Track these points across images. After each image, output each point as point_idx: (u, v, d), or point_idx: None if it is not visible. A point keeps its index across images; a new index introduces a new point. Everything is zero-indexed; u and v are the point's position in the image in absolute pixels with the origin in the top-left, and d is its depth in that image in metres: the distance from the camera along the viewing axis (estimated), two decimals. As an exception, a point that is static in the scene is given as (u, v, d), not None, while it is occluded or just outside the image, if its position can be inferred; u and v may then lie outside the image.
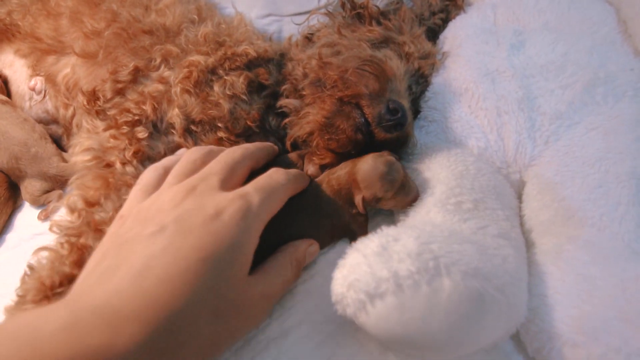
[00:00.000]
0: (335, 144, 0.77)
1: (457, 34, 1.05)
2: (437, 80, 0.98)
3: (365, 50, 0.84)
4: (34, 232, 0.93)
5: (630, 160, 0.77)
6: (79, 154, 0.85)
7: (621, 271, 0.66)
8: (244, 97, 0.91)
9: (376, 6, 1.03)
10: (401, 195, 0.78)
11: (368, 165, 0.78)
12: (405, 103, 0.78)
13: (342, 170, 0.80)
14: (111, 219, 0.73)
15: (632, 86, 0.85)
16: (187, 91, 0.89)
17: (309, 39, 1.03)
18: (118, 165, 0.80)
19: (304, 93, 0.86)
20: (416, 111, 0.92)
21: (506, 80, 0.90)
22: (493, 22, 1.05)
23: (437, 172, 0.81)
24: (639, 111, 0.82)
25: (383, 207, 0.79)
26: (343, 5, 1.03)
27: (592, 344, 0.61)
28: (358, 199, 0.76)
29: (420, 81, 0.91)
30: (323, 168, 0.82)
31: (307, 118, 0.82)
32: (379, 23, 0.95)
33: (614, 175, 0.76)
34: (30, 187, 0.89)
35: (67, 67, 1.05)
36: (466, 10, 1.14)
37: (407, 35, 0.93)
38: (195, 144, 0.89)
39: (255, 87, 0.95)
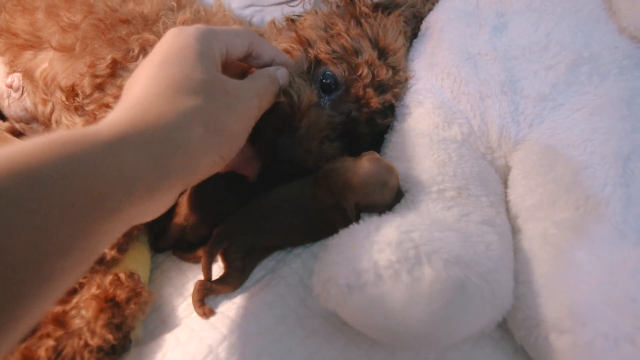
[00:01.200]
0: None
1: (439, 18, 1.03)
2: (418, 66, 0.96)
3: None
4: None
5: (616, 140, 0.75)
6: None
7: (609, 255, 0.64)
8: None
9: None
10: (394, 201, 0.76)
11: (367, 169, 0.76)
12: (301, 139, 0.80)
13: (335, 164, 0.78)
14: None
15: (617, 64, 0.84)
16: None
17: (292, 21, 1.01)
18: None
19: None
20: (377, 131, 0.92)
21: (488, 64, 0.89)
22: (475, 5, 1.02)
23: (419, 160, 0.80)
24: (625, 90, 0.81)
25: (371, 212, 0.76)
26: None
27: (580, 330, 0.60)
28: (350, 205, 0.74)
29: (363, 109, 0.88)
30: None
31: None
32: (358, 23, 0.92)
33: (600, 156, 0.74)
34: None
35: (45, 62, 1.03)
36: (450, -7, 1.12)
37: (374, 52, 0.88)
38: None
39: None
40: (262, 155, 0.81)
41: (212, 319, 0.72)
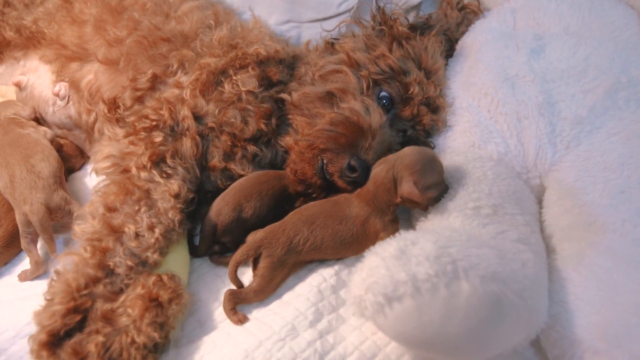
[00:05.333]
0: (300, 178, 0.88)
1: (476, 39, 1.05)
2: (455, 85, 0.98)
3: (352, 100, 0.88)
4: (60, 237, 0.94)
5: (653, 165, 0.77)
6: (100, 161, 0.88)
7: (644, 277, 0.66)
8: (256, 90, 0.95)
9: (407, 19, 1.03)
10: (442, 192, 0.79)
11: (409, 151, 0.80)
12: (372, 157, 0.84)
13: (378, 167, 0.81)
14: (126, 223, 0.76)
15: (655, 91, 0.85)
16: (197, 92, 0.92)
17: (332, 44, 1.05)
18: (134, 170, 0.83)
19: (289, 116, 0.95)
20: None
21: (526, 85, 0.91)
22: (512, 27, 1.05)
23: (456, 177, 0.82)
24: (662, 116, 0.82)
25: (422, 201, 0.78)
26: (374, 18, 1.05)
27: (614, 351, 0.61)
28: (408, 185, 0.76)
29: (417, 127, 0.92)
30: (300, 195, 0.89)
31: (286, 139, 0.93)
32: (400, 45, 0.96)
33: (636, 181, 0.76)
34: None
35: (91, 74, 1.08)
36: (485, 15, 1.15)
37: (420, 72, 0.93)
38: (207, 147, 0.92)
39: (265, 84, 0.98)
40: (338, 175, 0.84)
41: (248, 324, 0.74)
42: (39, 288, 0.74)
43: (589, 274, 0.69)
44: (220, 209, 0.85)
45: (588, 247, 0.72)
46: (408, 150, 0.81)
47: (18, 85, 1.16)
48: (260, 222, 0.85)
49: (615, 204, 0.75)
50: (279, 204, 0.88)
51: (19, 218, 0.89)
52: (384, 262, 0.60)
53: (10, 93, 1.18)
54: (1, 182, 0.94)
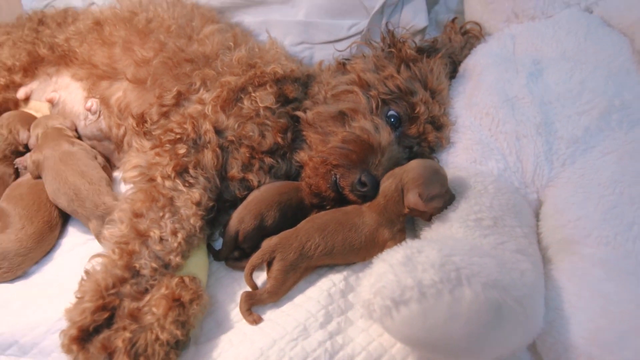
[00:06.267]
0: (315, 192, 0.90)
1: (477, 62, 1.07)
2: (458, 104, 1.00)
3: (362, 120, 0.90)
4: (88, 237, 0.96)
5: (644, 183, 0.77)
6: (128, 170, 0.90)
7: (635, 287, 0.66)
8: (273, 106, 0.96)
9: (414, 42, 1.05)
10: (448, 200, 0.80)
11: (415, 164, 0.81)
12: (381, 173, 0.86)
13: (387, 181, 0.83)
14: (151, 228, 0.78)
15: (646, 113, 0.86)
16: (218, 108, 0.94)
17: (343, 64, 1.06)
18: (159, 179, 0.84)
19: (304, 133, 0.96)
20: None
21: (525, 106, 0.92)
22: (512, 51, 1.06)
23: (459, 190, 0.83)
24: (653, 137, 0.83)
25: (427, 211, 0.80)
26: (383, 40, 1.07)
27: (607, 357, 0.62)
28: (414, 197, 0.78)
29: (422, 144, 0.94)
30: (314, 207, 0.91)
31: (300, 155, 0.95)
32: (407, 66, 0.97)
33: (628, 197, 0.76)
34: (92, 227, 0.95)
35: (120, 91, 1.10)
36: (486, 39, 1.16)
37: (426, 93, 0.95)
38: (227, 159, 0.93)
39: (281, 101, 1.00)
40: (349, 189, 0.86)
41: (263, 324, 0.75)
42: (69, 286, 0.75)
43: (583, 283, 0.70)
44: (242, 217, 0.87)
45: (582, 259, 0.73)
46: (413, 163, 0.82)
47: (51, 101, 1.19)
48: (277, 229, 0.86)
49: (608, 219, 0.75)
50: (295, 213, 0.89)
51: (93, 227, 0.92)
52: (392, 268, 0.61)
53: (44, 109, 1.21)
54: (64, 200, 0.95)
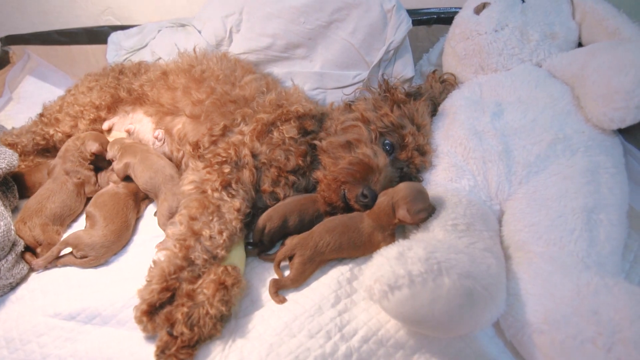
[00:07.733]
0: (328, 202, 0.90)
1: (453, 104, 1.08)
2: (438, 136, 1.01)
3: (364, 147, 0.91)
4: (153, 234, 0.97)
5: (582, 198, 0.78)
6: (186, 184, 0.90)
7: (576, 279, 0.66)
8: (296, 137, 0.98)
9: (404, 88, 1.06)
10: (431, 212, 0.81)
11: (403, 186, 0.82)
12: (379, 188, 0.87)
13: (382, 198, 0.83)
14: (203, 228, 0.79)
15: (583, 144, 0.86)
16: (254, 138, 0.96)
17: (349, 105, 1.08)
18: (209, 191, 0.85)
19: (319, 157, 0.97)
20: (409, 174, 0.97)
21: (490, 138, 0.93)
22: (480, 96, 1.07)
23: (439, 202, 0.83)
24: (589, 163, 0.83)
25: (414, 222, 0.80)
26: (380, 86, 1.08)
27: (555, 332, 0.62)
28: (403, 211, 0.79)
29: (410, 166, 0.95)
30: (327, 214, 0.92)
31: (317, 173, 0.95)
32: (399, 107, 0.99)
33: (570, 209, 0.77)
34: (161, 207, 0.96)
35: (180, 124, 1.13)
36: (460, 86, 1.17)
37: (413, 127, 0.96)
38: (260, 176, 0.94)
39: (302, 132, 1.01)
40: (354, 200, 0.87)
41: (287, 304, 0.76)
42: (140, 272, 0.76)
43: (535, 275, 0.70)
44: (271, 215, 0.88)
45: (535, 256, 0.73)
46: (402, 185, 0.83)
47: (128, 132, 1.21)
48: (296, 230, 0.87)
49: (555, 225, 0.76)
50: (311, 219, 0.90)
51: (169, 206, 0.95)
52: (388, 261, 0.62)
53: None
54: (149, 185, 1.01)
